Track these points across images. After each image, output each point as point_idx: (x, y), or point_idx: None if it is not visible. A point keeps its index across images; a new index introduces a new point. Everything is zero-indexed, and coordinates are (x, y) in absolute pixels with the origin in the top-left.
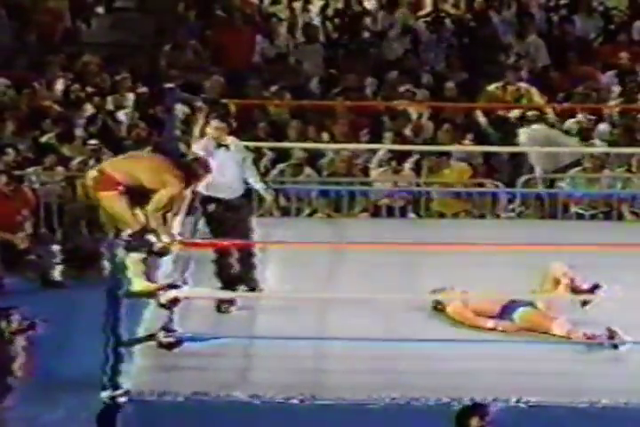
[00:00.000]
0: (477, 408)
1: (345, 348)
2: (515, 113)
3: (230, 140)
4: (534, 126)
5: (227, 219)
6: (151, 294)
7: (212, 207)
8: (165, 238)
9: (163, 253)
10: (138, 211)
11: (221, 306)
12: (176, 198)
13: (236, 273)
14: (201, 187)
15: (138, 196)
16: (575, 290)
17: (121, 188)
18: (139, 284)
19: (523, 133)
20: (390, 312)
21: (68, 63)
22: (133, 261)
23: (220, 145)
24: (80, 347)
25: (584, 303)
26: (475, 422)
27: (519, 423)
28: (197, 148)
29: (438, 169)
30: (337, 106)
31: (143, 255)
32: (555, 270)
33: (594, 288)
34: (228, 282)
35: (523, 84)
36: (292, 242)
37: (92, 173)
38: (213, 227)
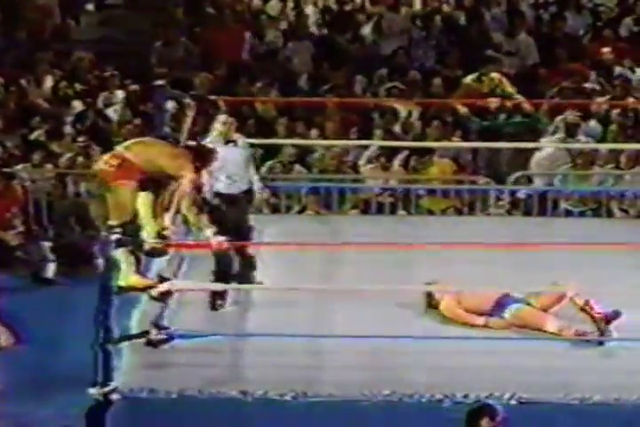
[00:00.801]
0: (487, 409)
1: (337, 344)
2: (493, 103)
3: (237, 135)
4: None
5: (228, 214)
6: (142, 290)
7: (215, 201)
8: (209, 232)
9: (157, 253)
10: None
11: (215, 304)
12: (192, 184)
13: (233, 272)
14: (206, 180)
15: (150, 183)
16: (590, 313)
17: (140, 177)
18: (130, 278)
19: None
20: (383, 308)
21: (57, 60)
22: (125, 255)
23: (227, 141)
24: (71, 344)
25: (600, 343)
26: (485, 422)
27: (511, 420)
28: (205, 142)
29: (423, 167)
30: (326, 103)
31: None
32: (566, 289)
33: (613, 313)
34: (223, 280)
35: (495, 75)
36: (286, 242)
37: (112, 160)
38: (215, 221)
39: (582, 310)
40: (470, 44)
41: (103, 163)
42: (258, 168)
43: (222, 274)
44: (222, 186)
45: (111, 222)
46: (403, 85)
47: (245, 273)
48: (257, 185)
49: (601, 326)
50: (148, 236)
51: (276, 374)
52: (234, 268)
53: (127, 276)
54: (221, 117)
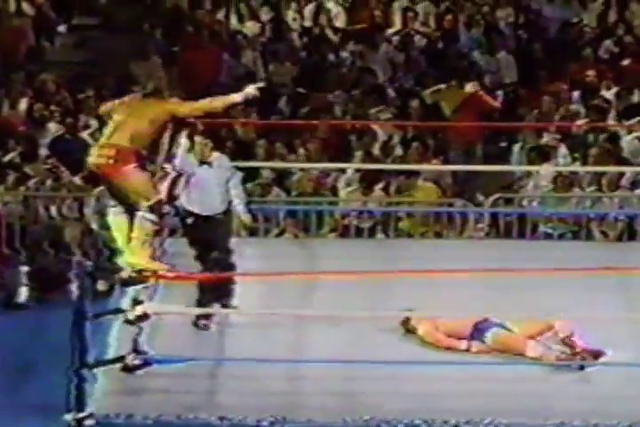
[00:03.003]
0: None
1: (316, 369)
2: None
3: (215, 157)
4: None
5: (204, 235)
6: (145, 276)
7: (190, 220)
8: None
9: (133, 283)
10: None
11: (199, 322)
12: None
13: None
14: (183, 200)
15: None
16: (572, 347)
17: (137, 157)
18: (137, 254)
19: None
20: (362, 334)
21: (30, 82)
22: (140, 225)
23: (202, 162)
24: (45, 369)
25: (581, 367)
26: None
27: None
28: (179, 161)
29: (406, 189)
30: (306, 125)
31: (152, 219)
32: (557, 326)
33: (597, 355)
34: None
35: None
36: (268, 273)
37: (107, 151)
38: (190, 240)
39: (563, 341)
40: (449, 65)
41: (98, 156)
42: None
43: (206, 299)
44: (196, 207)
45: (145, 204)
46: (381, 107)
47: (223, 298)
48: (239, 208)
49: (579, 358)
50: (125, 263)
51: (255, 400)
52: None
53: (136, 252)
54: (197, 139)
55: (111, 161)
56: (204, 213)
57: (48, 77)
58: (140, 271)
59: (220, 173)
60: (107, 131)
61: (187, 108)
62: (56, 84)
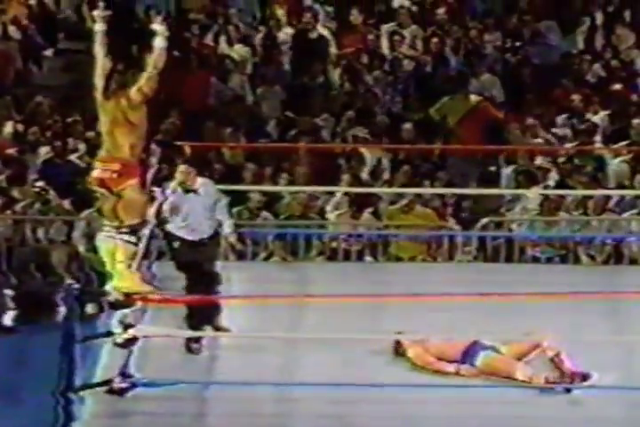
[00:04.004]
0: None
1: (306, 392)
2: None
3: (200, 183)
4: None
5: (190, 259)
6: (133, 299)
7: (176, 244)
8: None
9: (121, 306)
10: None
11: (191, 346)
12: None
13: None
14: (170, 226)
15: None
16: (559, 368)
17: (140, 172)
18: (126, 278)
19: None
20: (352, 356)
21: (18, 106)
22: (123, 248)
23: (187, 190)
24: (32, 392)
25: (567, 390)
26: None
27: None
28: (166, 188)
29: (404, 212)
30: (294, 148)
31: (132, 240)
32: (543, 341)
33: (585, 376)
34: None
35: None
36: (256, 295)
37: (112, 165)
38: (177, 265)
39: (552, 361)
40: (436, 89)
41: (102, 171)
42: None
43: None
44: (183, 232)
45: (130, 222)
46: (369, 130)
47: (211, 320)
48: (227, 231)
49: (567, 381)
50: (115, 287)
51: (244, 423)
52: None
53: (124, 275)
54: (181, 167)
55: (115, 175)
56: (190, 238)
57: (44, 101)
58: (128, 295)
59: (206, 199)
60: (104, 145)
61: (142, 80)
62: (50, 107)
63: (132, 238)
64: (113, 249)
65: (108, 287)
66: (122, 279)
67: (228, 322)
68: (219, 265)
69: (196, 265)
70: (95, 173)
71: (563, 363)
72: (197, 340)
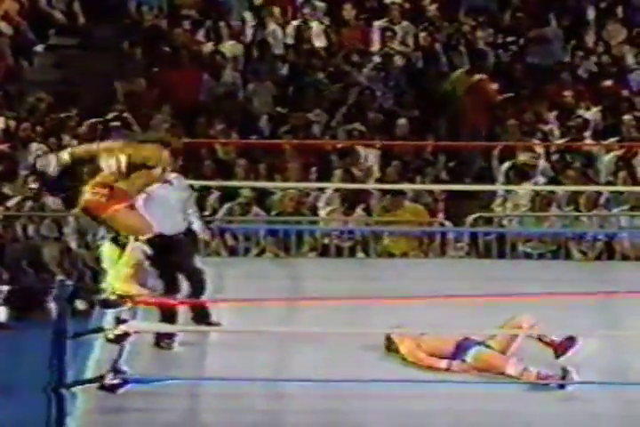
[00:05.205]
0: None
1: (298, 388)
2: None
3: (174, 176)
4: None
5: (168, 255)
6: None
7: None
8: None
9: (112, 305)
10: None
11: (161, 342)
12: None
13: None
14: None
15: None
16: (547, 343)
17: (129, 201)
18: (126, 281)
19: None
20: (343, 352)
21: (10, 102)
22: (135, 253)
23: (164, 181)
24: (24, 388)
25: (561, 386)
26: None
27: None
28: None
29: (394, 208)
30: (286, 144)
31: (146, 250)
32: (521, 321)
33: (569, 340)
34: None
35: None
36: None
37: (100, 189)
38: (156, 262)
39: (539, 340)
40: (428, 85)
41: (92, 194)
42: (215, 210)
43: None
44: (158, 226)
45: (142, 238)
46: (363, 127)
47: (200, 314)
48: (197, 225)
49: (559, 354)
50: (116, 289)
51: (236, 419)
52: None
53: (121, 277)
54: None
55: (103, 199)
56: (166, 233)
57: (43, 97)
58: (122, 296)
59: (178, 193)
60: (104, 171)
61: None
62: (47, 103)
63: (147, 248)
64: (117, 252)
65: (103, 285)
66: (121, 282)
67: (218, 317)
68: (199, 261)
69: (175, 261)
70: (86, 196)
71: (546, 337)
72: (170, 336)
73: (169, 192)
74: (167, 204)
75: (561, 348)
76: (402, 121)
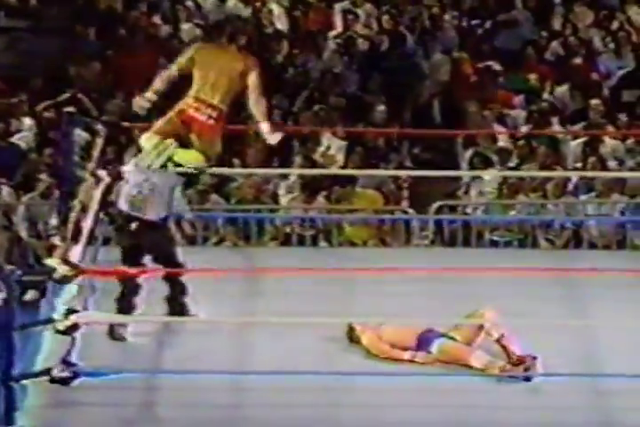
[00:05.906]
0: None
1: (259, 380)
2: None
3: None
4: None
5: (148, 239)
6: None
7: (134, 226)
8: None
9: (64, 281)
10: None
11: (114, 332)
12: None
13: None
14: (123, 205)
15: None
16: (504, 348)
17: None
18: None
19: None
20: (305, 344)
21: None
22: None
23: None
24: None
25: (527, 379)
26: None
27: None
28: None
29: (346, 197)
30: (246, 130)
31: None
32: (486, 319)
33: (529, 362)
34: (125, 309)
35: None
36: (205, 269)
37: (210, 111)
38: (134, 246)
39: (497, 342)
40: (392, 69)
41: (201, 112)
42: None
43: (126, 303)
44: (143, 211)
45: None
46: (325, 111)
47: (177, 299)
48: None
49: (512, 361)
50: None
51: (194, 413)
52: (139, 297)
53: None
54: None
55: (212, 121)
56: (150, 217)
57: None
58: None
59: (168, 178)
60: (201, 86)
61: (253, 81)
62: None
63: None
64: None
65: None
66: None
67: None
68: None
69: (156, 246)
70: (191, 111)
71: (507, 345)
72: (124, 325)
73: (160, 178)
74: (157, 189)
75: (517, 362)
76: (380, 108)
